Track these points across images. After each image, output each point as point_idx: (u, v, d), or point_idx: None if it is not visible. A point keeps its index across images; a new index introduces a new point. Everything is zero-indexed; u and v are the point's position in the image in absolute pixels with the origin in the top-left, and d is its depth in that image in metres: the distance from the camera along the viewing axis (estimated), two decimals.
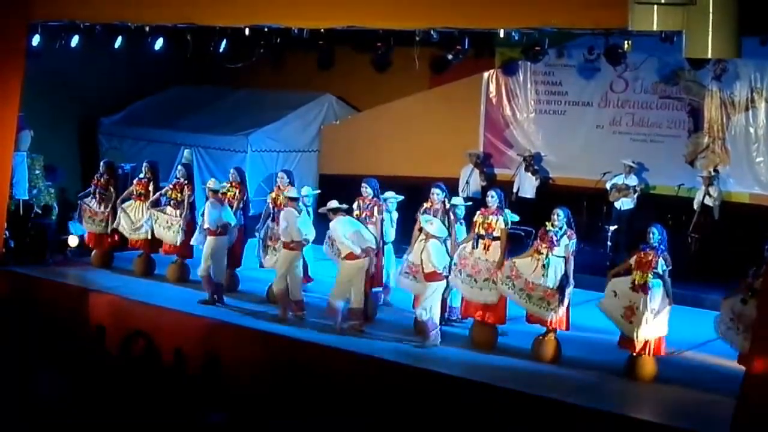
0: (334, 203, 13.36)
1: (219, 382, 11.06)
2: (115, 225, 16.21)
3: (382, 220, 13.78)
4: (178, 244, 15.50)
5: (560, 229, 12.24)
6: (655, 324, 11.66)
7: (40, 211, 17.55)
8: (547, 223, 12.40)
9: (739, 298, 11.35)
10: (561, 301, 12.12)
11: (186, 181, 15.64)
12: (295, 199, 13.79)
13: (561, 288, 12.12)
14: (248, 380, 12.34)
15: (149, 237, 15.90)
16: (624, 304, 11.73)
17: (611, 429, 10.43)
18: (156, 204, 15.76)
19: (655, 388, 11.64)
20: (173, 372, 11.10)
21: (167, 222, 15.57)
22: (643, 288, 11.66)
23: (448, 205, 13.28)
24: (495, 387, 11.27)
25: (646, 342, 11.70)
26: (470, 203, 13.80)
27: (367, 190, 13.85)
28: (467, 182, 18.25)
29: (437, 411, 11.30)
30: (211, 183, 14.79)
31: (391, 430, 11.17)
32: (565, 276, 12.18)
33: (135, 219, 15.94)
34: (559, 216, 12.30)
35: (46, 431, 10.05)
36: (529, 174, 18.22)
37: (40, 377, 11.06)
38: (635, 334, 11.62)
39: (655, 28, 10.44)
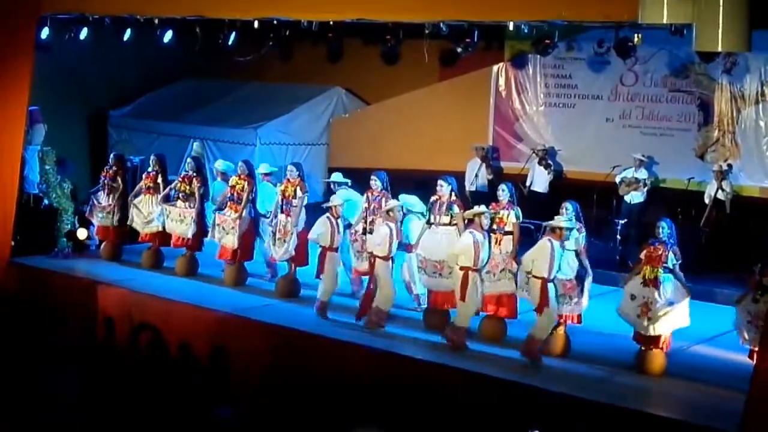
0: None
1: (227, 376, 11.07)
2: (129, 222, 16.24)
3: None
4: (190, 236, 15.53)
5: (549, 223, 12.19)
6: (673, 317, 11.60)
7: (47, 203, 17.56)
8: (556, 217, 12.35)
9: (750, 298, 11.29)
10: (581, 292, 12.10)
11: (195, 174, 15.66)
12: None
13: (580, 279, 12.10)
14: (257, 374, 12.36)
15: (160, 230, 15.90)
16: (639, 303, 11.68)
17: (620, 423, 10.40)
18: (167, 199, 15.76)
19: (664, 382, 11.60)
20: (181, 365, 11.11)
21: (179, 215, 15.59)
22: (654, 282, 11.60)
23: (453, 197, 13.19)
24: (503, 380, 11.26)
25: (661, 336, 11.65)
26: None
27: (376, 183, 13.85)
28: (476, 175, 18.23)
29: (444, 404, 11.28)
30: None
31: (401, 423, 11.15)
32: (582, 268, 12.14)
33: (146, 213, 15.96)
34: (568, 210, 12.25)
35: (55, 425, 10.07)
36: (542, 168, 18.16)
37: (48, 371, 11.09)
38: (651, 329, 11.59)
39: (665, 21, 10.44)
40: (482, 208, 12.58)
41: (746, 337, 11.28)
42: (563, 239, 11.95)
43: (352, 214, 14.11)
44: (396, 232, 12.93)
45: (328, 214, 13.61)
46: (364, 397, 11.53)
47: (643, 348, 11.79)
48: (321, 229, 13.53)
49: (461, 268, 12.25)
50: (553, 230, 11.96)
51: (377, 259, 12.90)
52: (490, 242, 12.51)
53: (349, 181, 14.81)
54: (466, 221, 12.61)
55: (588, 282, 12.19)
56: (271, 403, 11.71)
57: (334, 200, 13.71)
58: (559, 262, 11.91)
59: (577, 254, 12.20)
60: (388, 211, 13.03)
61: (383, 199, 13.71)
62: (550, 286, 11.82)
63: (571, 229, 12.03)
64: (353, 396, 11.62)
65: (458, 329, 12.38)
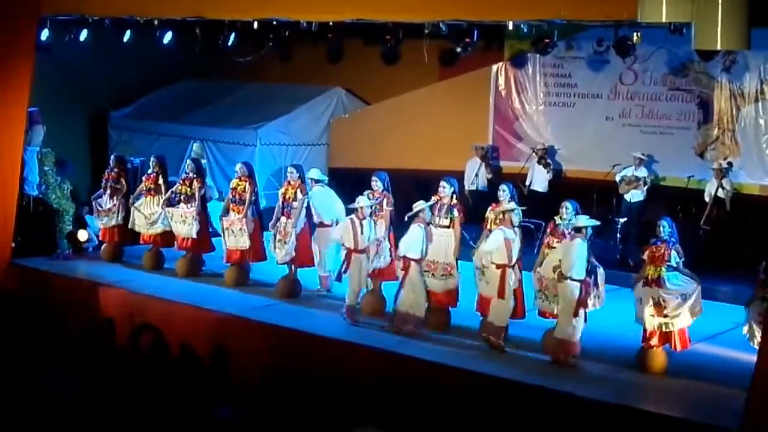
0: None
1: (227, 376, 11.07)
2: (130, 226, 16.22)
3: (391, 212, 13.76)
4: (194, 236, 15.50)
5: (570, 222, 12.18)
6: (689, 308, 11.57)
7: (45, 202, 17.56)
8: (556, 217, 12.35)
9: (759, 299, 11.26)
10: (596, 283, 12.05)
11: (195, 175, 15.66)
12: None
13: (590, 272, 12.02)
14: (257, 374, 12.35)
15: (166, 231, 15.88)
16: (648, 303, 11.66)
17: (621, 421, 10.40)
18: (169, 203, 15.75)
19: (665, 380, 11.61)
20: (182, 366, 11.11)
21: (182, 216, 15.56)
22: (657, 282, 11.58)
23: (454, 200, 13.17)
24: (504, 380, 11.26)
25: (680, 331, 11.63)
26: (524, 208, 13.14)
27: (377, 183, 13.84)
28: (476, 175, 18.23)
29: (445, 404, 11.28)
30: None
31: (401, 423, 11.15)
32: (589, 263, 12.09)
33: (149, 214, 15.95)
34: (568, 209, 12.23)
35: (55, 425, 10.06)
36: (542, 167, 18.16)
37: (48, 371, 11.07)
38: (670, 325, 11.56)
39: (664, 19, 10.44)
40: (512, 204, 12.58)
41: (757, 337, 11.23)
42: (588, 237, 11.93)
43: (328, 213, 14.09)
44: (427, 234, 12.87)
45: (353, 216, 13.46)
46: (364, 397, 11.53)
47: (646, 347, 11.76)
48: (342, 230, 13.45)
49: (498, 267, 12.20)
50: (578, 230, 11.87)
51: (411, 263, 12.80)
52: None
53: (326, 178, 14.88)
54: (493, 223, 12.58)
55: (600, 273, 12.11)
56: (271, 403, 11.71)
57: (360, 201, 13.45)
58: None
59: None
60: (417, 213, 12.87)
61: (384, 200, 13.73)
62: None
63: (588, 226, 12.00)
64: (353, 396, 11.62)
65: (497, 329, 12.31)
